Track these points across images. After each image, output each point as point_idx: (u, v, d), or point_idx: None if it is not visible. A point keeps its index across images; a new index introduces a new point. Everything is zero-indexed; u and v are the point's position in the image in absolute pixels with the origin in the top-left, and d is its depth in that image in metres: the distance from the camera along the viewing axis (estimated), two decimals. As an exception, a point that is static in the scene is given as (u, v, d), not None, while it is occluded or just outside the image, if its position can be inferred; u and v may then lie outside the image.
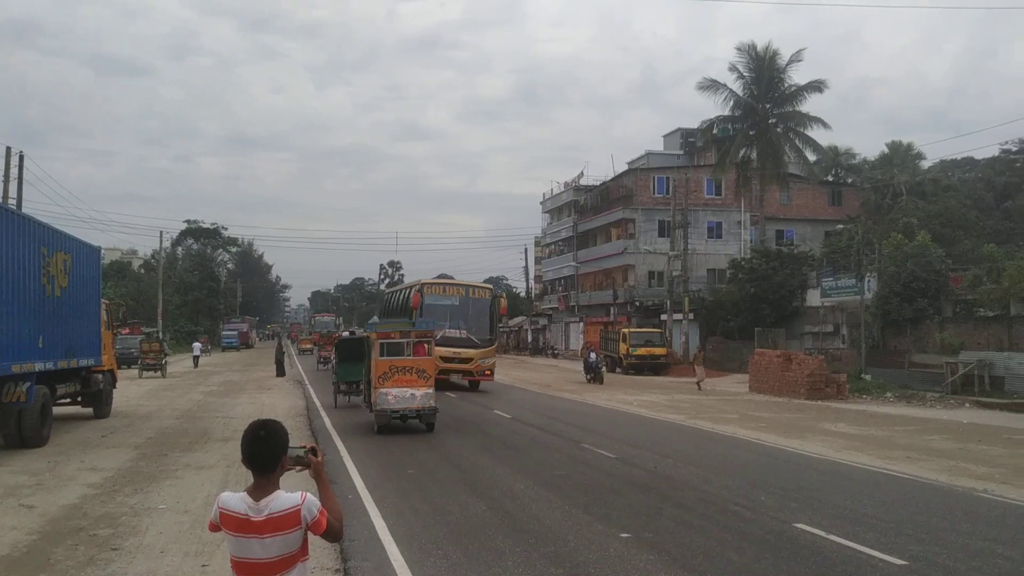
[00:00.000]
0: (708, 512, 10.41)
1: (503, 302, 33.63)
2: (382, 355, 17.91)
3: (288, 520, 3.51)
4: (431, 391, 17.85)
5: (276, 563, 3.52)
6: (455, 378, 30.45)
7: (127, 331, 47.33)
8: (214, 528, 3.66)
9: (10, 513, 10.09)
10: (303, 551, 3.62)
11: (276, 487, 3.58)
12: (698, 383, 33.88)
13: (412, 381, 17.53)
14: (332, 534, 3.67)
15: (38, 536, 9.00)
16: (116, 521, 9.66)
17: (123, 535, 8.99)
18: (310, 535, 3.62)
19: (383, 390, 17.46)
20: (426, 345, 18.55)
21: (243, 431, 3.70)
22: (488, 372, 30.78)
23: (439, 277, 49.11)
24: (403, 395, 17.45)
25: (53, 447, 15.75)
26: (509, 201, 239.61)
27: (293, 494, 3.57)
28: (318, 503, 3.60)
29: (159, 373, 38.26)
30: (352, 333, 30.80)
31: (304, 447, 3.71)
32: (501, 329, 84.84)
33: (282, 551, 3.52)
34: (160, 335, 63.35)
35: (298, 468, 3.70)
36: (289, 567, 3.55)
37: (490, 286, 37.59)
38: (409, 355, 18.14)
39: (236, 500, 3.56)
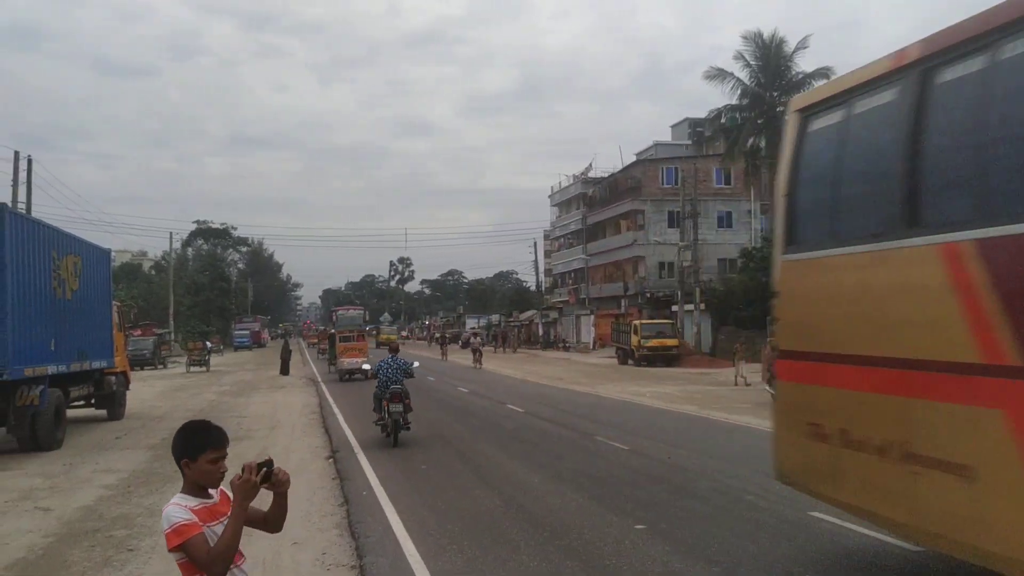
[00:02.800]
0: (723, 502, 10.37)
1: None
2: (341, 341, 37.05)
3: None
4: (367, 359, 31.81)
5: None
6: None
7: (139, 333, 47.67)
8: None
9: (26, 516, 10.13)
10: (189, 568, 3.32)
11: (182, 490, 3.44)
12: (743, 379, 30.08)
13: (355, 354, 34.77)
14: (197, 564, 3.28)
15: (54, 538, 9.03)
16: (132, 522, 9.69)
17: (139, 536, 9.01)
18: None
19: (341, 359, 35.88)
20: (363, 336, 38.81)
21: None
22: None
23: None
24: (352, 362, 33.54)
25: (67, 450, 15.82)
26: (515, 195, 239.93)
27: (169, 504, 3.38)
28: (175, 517, 3.29)
29: (204, 368, 44.57)
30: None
31: (270, 460, 3.38)
32: (512, 323, 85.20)
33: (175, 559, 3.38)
34: (172, 336, 63.74)
35: (265, 485, 3.33)
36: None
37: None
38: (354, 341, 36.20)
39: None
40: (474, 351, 47.12)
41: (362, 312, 70.76)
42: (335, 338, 39.29)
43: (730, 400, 24.43)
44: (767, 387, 27.26)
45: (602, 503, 10.31)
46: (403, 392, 15.50)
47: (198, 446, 3.43)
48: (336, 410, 22.51)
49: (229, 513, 3.33)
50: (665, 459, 13.79)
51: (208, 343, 53.09)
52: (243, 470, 3.29)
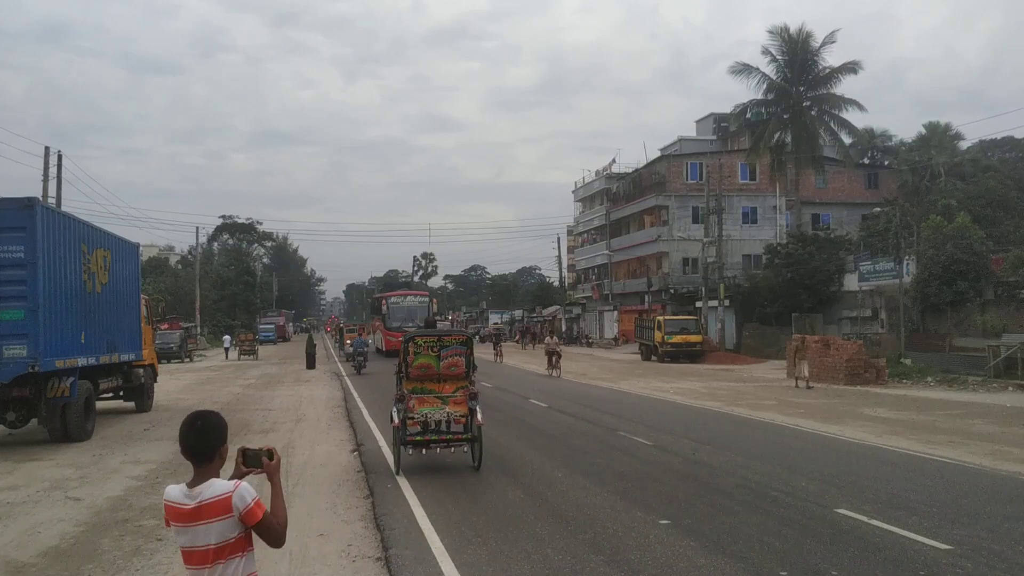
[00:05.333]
0: (747, 498, 10.34)
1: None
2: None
3: (218, 507, 3.48)
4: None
5: (211, 551, 3.50)
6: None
7: (166, 326, 48.13)
8: (167, 522, 3.66)
9: (57, 505, 10.29)
10: (245, 541, 3.58)
11: (214, 476, 3.58)
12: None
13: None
14: (269, 531, 3.58)
15: (85, 527, 9.17)
16: (160, 512, 9.74)
17: (168, 526, 9.11)
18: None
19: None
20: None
21: (180, 423, 3.70)
22: None
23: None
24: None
25: (97, 441, 16.03)
26: (539, 190, 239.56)
27: (228, 482, 3.55)
28: (254, 493, 3.54)
29: (253, 356, 50.82)
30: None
31: (262, 449, 3.68)
32: (534, 319, 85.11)
33: (215, 539, 3.49)
34: (198, 330, 64.34)
35: (255, 471, 3.66)
36: (227, 556, 3.52)
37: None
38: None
39: (176, 490, 3.57)
40: (550, 354, 34.69)
41: (427, 301, 48.50)
42: (343, 331, 37.09)
43: (754, 396, 24.32)
44: (802, 382, 26.54)
45: (626, 498, 10.32)
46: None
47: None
48: (360, 404, 22.62)
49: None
50: (690, 455, 13.76)
51: (256, 335, 61.29)
52: (237, 453, 3.64)
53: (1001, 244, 37.95)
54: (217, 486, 3.52)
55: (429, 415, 12.54)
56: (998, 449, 14.19)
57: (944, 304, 34.46)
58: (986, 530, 8.64)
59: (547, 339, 40.60)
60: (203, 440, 3.60)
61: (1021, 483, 11.38)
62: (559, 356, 34.48)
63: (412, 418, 12.40)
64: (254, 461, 3.64)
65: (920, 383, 27.56)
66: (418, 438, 12.39)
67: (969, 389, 25.63)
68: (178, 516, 3.54)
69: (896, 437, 15.75)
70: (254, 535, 3.61)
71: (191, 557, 3.55)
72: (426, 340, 12.67)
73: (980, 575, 7.17)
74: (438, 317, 53.05)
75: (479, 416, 12.39)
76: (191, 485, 3.56)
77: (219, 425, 3.67)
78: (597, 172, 75.19)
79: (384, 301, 48.55)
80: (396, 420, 12.15)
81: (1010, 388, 25.15)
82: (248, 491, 3.53)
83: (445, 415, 12.59)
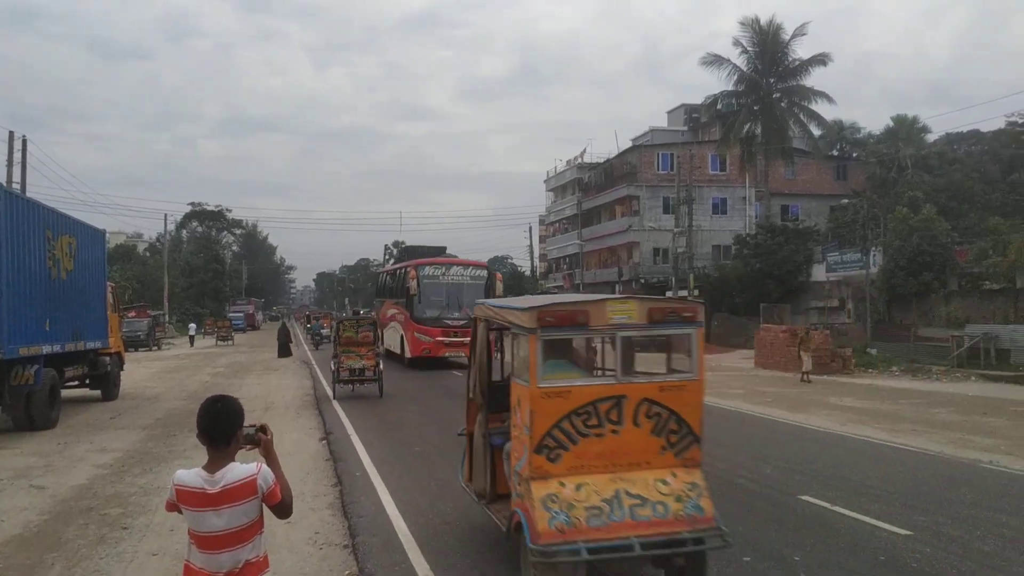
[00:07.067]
0: (713, 485, 10.32)
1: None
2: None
3: (244, 490, 3.53)
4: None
5: (235, 534, 3.54)
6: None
7: (133, 314, 47.62)
8: (171, 507, 3.66)
9: (21, 494, 10.18)
10: (262, 521, 3.66)
11: (231, 460, 3.61)
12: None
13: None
14: (283, 508, 3.70)
15: (49, 516, 9.09)
16: (126, 501, 9.74)
17: (133, 514, 9.07)
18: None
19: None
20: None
21: (199, 406, 3.72)
22: None
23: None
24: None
25: (62, 429, 15.86)
26: (511, 180, 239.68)
27: (248, 464, 3.60)
28: (273, 474, 3.64)
29: (230, 342, 53.61)
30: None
31: (254, 425, 3.73)
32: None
33: (240, 521, 3.55)
34: (166, 318, 63.74)
35: (248, 447, 3.72)
36: (248, 538, 3.58)
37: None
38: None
39: (192, 475, 3.58)
40: None
41: (485, 278, 30.10)
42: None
43: (722, 385, 24.52)
44: (806, 375, 24.87)
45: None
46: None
47: None
48: (330, 392, 22.54)
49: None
50: (657, 443, 13.86)
51: (232, 322, 64.06)
52: None
53: (965, 236, 38.49)
54: (240, 469, 3.57)
55: (353, 365, 20.84)
56: (960, 437, 14.45)
57: (910, 295, 34.93)
58: (946, 516, 8.81)
59: None
60: (222, 423, 3.63)
61: (981, 470, 11.61)
62: None
63: (343, 367, 20.78)
64: (249, 438, 3.69)
65: (885, 372, 27.95)
66: (347, 377, 20.84)
67: (933, 378, 26.03)
68: (198, 501, 3.54)
69: (861, 425, 15.98)
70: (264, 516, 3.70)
71: (212, 542, 3.55)
72: (350, 322, 22.04)
73: (939, 559, 7.31)
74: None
75: (381, 366, 21.09)
76: (210, 470, 3.57)
77: (238, 409, 3.71)
78: (569, 162, 75.29)
79: (414, 274, 29.06)
80: (333, 368, 21.03)
81: (972, 378, 25.58)
82: (269, 473, 3.64)
83: (362, 365, 20.85)
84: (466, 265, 31.12)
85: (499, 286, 29.68)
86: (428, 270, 29.71)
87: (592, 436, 6.13)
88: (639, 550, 5.82)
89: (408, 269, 30.10)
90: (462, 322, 26.98)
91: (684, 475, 6.34)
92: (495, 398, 7.53)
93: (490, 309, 7.47)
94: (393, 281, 35.11)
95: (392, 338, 32.14)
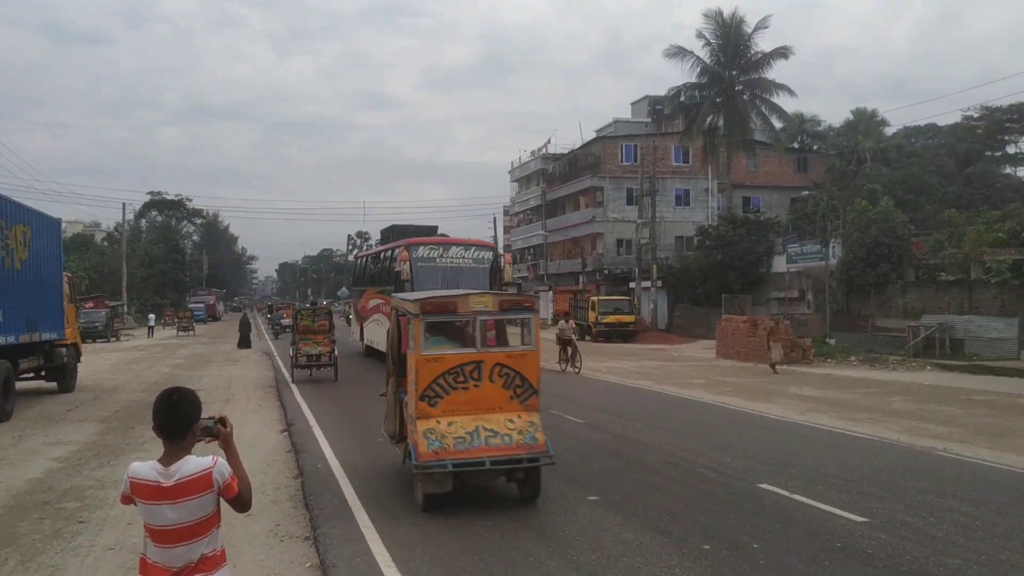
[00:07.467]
0: (675, 475, 10.54)
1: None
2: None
3: (199, 483, 3.49)
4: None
5: (190, 528, 3.50)
6: None
7: (91, 305, 46.90)
8: (126, 500, 3.61)
9: (-26, 488, 9.98)
10: (218, 515, 3.62)
11: (187, 453, 3.57)
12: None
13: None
14: (241, 502, 3.64)
15: (2, 510, 8.93)
16: (82, 494, 9.59)
17: (89, 508, 8.94)
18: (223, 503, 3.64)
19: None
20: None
21: (155, 398, 3.67)
22: None
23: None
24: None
25: (17, 422, 15.57)
26: (476, 170, 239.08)
27: (204, 458, 3.56)
28: (229, 468, 3.60)
29: (191, 332, 54.59)
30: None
31: (213, 417, 3.69)
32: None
33: (196, 515, 3.50)
34: (125, 308, 62.82)
35: (207, 439, 3.68)
36: (204, 532, 3.54)
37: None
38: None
39: (146, 468, 3.52)
40: (565, 343, 26.86)
41: (491, 259, 24.73)
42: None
43: (684, 375, 24.75)
44: (775, 366, 24.96)
45: (556, 475, 10.38)
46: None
47: None
48: (291, 383, 22.39)
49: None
50: (619, 432, 13.96)
51: (193, 312, 65.21)
52: None
53: (922, 228, 39.11)
54: (194, 463, 3.51)
55: (310, 352, 22.58)
56: (915, 426, 14.71)
57: (868, 286, 35.46)
58: (901, 503, 8.97)
59: (560, 323, 29.69)
60: (178, 416, 3.58)
61: (936, 458, 11.83)
62: (575, 348, 26.69)
63: (301, 353, 22.52)
64: (207, 431, 3.65)
65: (844, 362, 28.36)
66: (304, 362, 22.54)
67: (890, 368, 26.47)
68: (152, 494, 3.48)
69: (819, 414, 16.21)
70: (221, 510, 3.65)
71: (166, 536, 3.50)
72: (307, 312, 24.29)
73: (893, 545, 7.44)
74: (510, 288, 28.45)
75: (336, 352, 22.77)
76: (165, 463, 3.52)
77: (194, 401, 3.64)
78: (533, 152, 75.27)
79: (405, 256, 23.29)
80: (292, 354, 22.85)
81: (928, 367, 26.05)
82: (225, 466, 3.59)
83: (318, 351, 22.59)
84: (468, 245, 25.29)
85: (508, 270, 25.13)
86: (423, 251, 24.00)
87: (460, 389, 8.62)
88: (489, 465, 8.37)
89: (398, 250, 24.39)
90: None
91: (526, 416, 8.78)
92: (403, 366, 9.53)
93: (398, 301, 9.96)
94: (377, 266, 29.82)
95: (376, 333, 26.46)
